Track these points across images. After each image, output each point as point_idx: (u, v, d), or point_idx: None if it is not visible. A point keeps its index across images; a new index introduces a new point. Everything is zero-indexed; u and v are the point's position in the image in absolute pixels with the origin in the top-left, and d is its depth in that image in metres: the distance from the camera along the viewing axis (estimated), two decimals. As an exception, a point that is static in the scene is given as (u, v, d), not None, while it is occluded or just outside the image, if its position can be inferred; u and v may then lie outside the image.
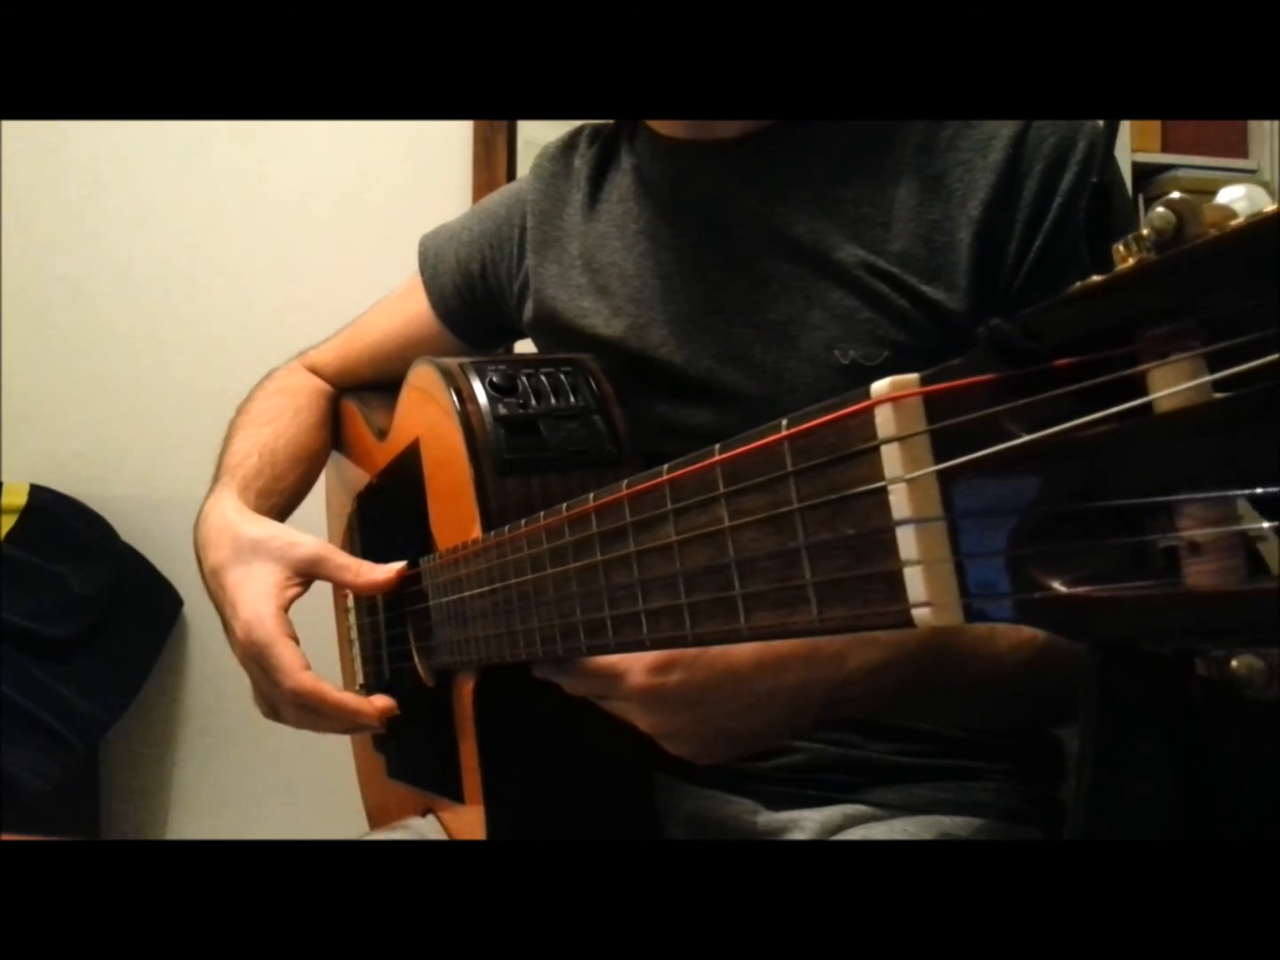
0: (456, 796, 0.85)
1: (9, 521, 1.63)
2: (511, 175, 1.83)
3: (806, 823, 0.80)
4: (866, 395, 0.32)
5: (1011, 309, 0.81)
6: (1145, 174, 2.18)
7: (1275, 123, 2.14)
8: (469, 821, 0.84)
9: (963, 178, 0.76)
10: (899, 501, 0.32)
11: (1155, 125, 2.16)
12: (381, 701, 0.85)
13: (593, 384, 0.83)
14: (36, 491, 1.70)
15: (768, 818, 0.82)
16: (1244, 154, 2.21)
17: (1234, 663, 0.25)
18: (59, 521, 1.69)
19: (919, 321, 0.76)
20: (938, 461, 0.31)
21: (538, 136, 1.78)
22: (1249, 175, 2.15)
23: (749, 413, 0.76)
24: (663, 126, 0.89)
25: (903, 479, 0.31)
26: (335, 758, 1.32)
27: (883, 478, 0.32)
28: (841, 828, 0.80)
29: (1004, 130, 0.75)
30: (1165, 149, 2.16)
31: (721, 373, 0.83)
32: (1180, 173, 2.14)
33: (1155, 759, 0.35)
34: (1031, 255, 0.75)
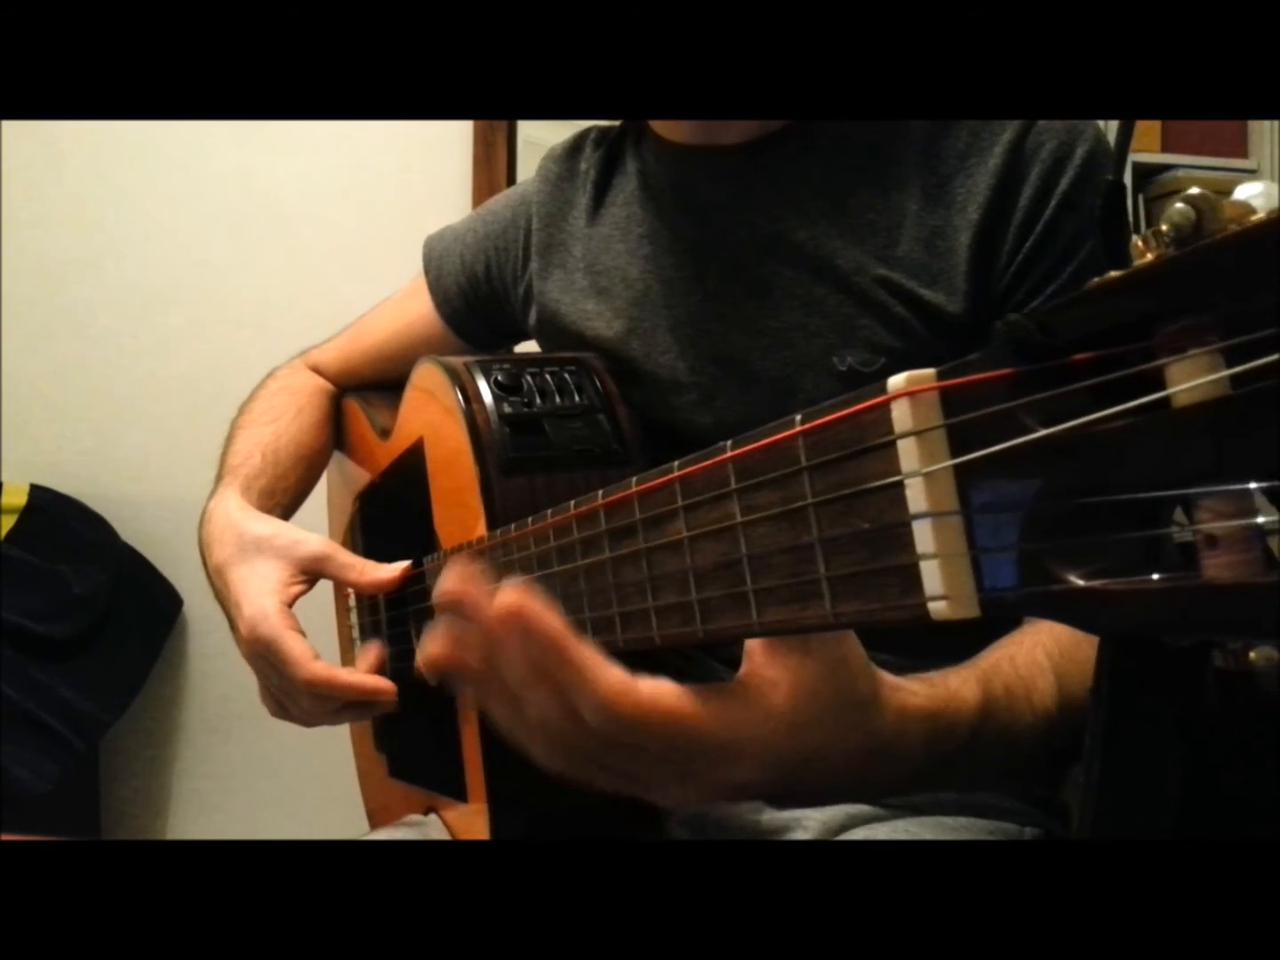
0: (460, 795, 0.85)
1: (9, 521, 1.63)
2: (512, 176, 1.83)
3: (809, 822, 0.80)
4: (883, 390, 0.32)
5: (999, 309, 0.80)
6: (1145, 174, 2.19)
7: (1275, 123, 2.15)
8: (472, 820, 0.84)
9: (964, 183, 0.77)
10: (915, 496, 0.32)
11: (1155, 125, 2.17)
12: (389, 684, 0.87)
13: (597, 383, 0.83)
14: (36, 491, 1.70)
15: (770, 816, 0.82)
16: (1244, 154, 2.21)
17: (1252, 654, 0.26)
18: (59, 521, 1.68)
19: (916, 328, 0.77)
20: (954, 456, 0.31)
21: (538, 137, 1.78)
22: (1249, 175, 2.15)
23: (748, 418, 0.76)
24: (667, 131, 0.89)
25: (919, 473, 0.31)
26: (336, 758, 1.32)
27: (899, 472, 0.32)
28: (844, 827, 0.79)
29: (1004, 135, 0.76)
30: (1165, 149, 2.17)
31: (721, 378, 0.83)
32: (1180, 173, 2.14)
33: (1165, 752, 0.35)
34: (1020, 256, 0.76)
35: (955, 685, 0.59)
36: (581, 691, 0.46)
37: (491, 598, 0.46)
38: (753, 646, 0.48)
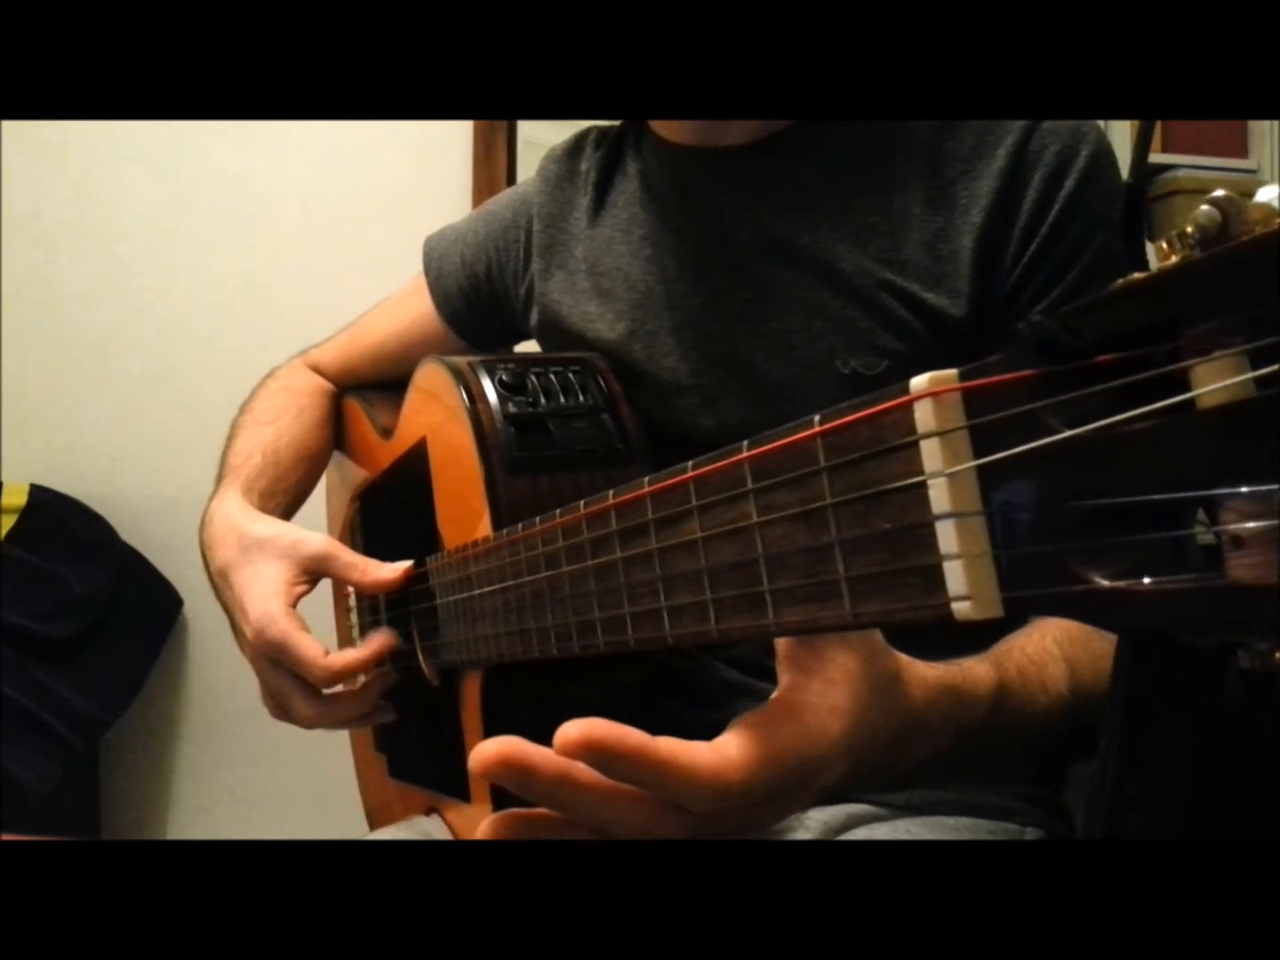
0: (462, 795, 0.85)
1: (9, 521, 1.63)
2: (512, 175, 1.83)
3: (810, 822, 0.80)
4: (905, 391, 0.32)
5: (1002, 312, 0.80)
6: (1145, 174, 2.18)
7: (1275, 123, 2.15)
8: (475, 820, 0.84)
9: (967, 187, 0.77)
10: (938, 496, 0.32)
11: (1155, 125, 2.16)
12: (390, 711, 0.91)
13: (601, 383, 0.83)
14: (36, 491, 1.70)
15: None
16: (1244, 154, 2.21)
17: (1278, 655, 0.26)
18: (59, 521, 1.68)
19: (919, 331, 0.77)
20: (977, 457, 0.31)
21: (538, 136, 1.78)
22: (1249, 175, 2.15)
23: (750, 421, 0.76)
24: (668, 131, 0.89)
25: (943, 474, 0.31)
26: (336, 758, 1.32)
27: (922, 473, 0.32)
28: (845, 827, 0.79)
29: (1007, 139, 0.76)
30: (1165, 149, 2.16)
31: (723, 381, 0.83)
32: (1180, 173, 2.14)
33: (1182, 752, 0.35)
34: (1024, 260, 0.76)
35: (969, 664, 0.59)
36: (682, 786, 0.43)
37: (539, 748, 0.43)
38: (795, 654, 0.48)
